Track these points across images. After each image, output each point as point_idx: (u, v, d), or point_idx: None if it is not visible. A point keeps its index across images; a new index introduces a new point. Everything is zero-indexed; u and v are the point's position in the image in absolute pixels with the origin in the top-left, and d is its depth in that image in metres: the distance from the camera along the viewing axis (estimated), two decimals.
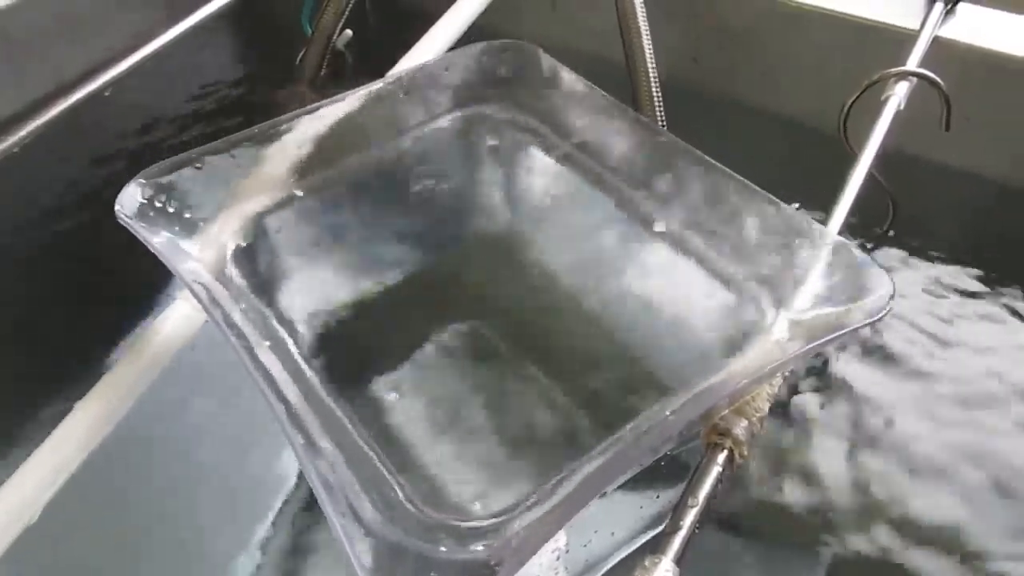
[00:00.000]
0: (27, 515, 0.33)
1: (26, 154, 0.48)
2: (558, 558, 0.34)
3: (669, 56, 0.56)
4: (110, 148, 0.60)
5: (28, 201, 0.54)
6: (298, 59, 0.62)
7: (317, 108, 0.42)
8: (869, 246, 0.55)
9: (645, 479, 0.39)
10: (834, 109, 0.48)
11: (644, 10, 0.54)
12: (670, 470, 0.38)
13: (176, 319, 0.39)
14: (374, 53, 0.69)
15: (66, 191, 0.56)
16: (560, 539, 0.36)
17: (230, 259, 0.37)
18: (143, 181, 0.37)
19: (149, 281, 0.49)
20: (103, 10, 0.61)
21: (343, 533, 0.26)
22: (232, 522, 0.43)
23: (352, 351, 0.37)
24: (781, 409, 0.46)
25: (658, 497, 0.38)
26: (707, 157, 0.39)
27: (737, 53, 0.65)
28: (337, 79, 0.64)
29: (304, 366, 0.34)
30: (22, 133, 0.48)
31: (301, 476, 0.43)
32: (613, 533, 0.38)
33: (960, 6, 0.57)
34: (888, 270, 0.53)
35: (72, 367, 0.39)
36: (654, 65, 0.54)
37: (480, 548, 0.26)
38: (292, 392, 0.30)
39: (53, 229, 0.55)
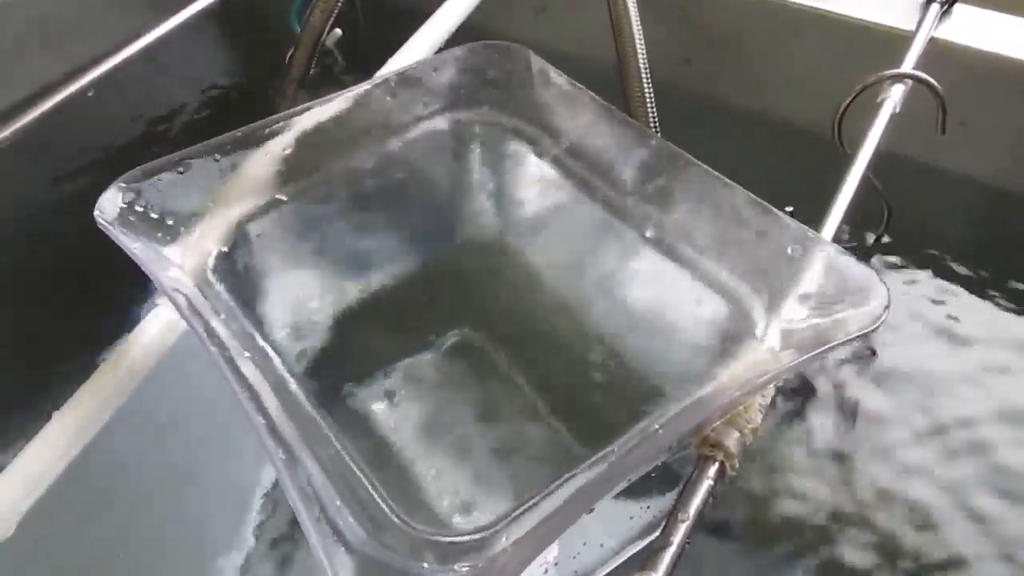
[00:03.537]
0: (3, 528, 0.33)
1: (5, 157, 0.48)
2: (546, 571, 0.33)
3: (661, 58, 0.55)
4: (94, 150, 0.59)
5: (8, 204, 0.53)
6: (287, 58, 0.61)
7: (302, 110, 0.41)
8: (864, 251, 0.55)
9: (636, 489, 0.38)
10: (829, 112, 0.48)
11: (637, 11, 0.53)
12: (662, 479, 0.37)
13: (157, 325, 0.38)
14: (364, 52, 0.68)
15: (47, 194, 0.55)
16: (550, 552, 0.35)
17: (212, 265, 0.37)
18: (123, 185, 0.36)
19: (131, 286, 0.49)
20: (87, 9, 0.60)
21: (321, 547, 0.25)
22: (215, 530, 0.42)
23: (337, 360, 0.36)
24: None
25: (649, 507, 0.38)
26: (698, 162, 0.38)
27: (730, 55, 0.64)
28: (326, 78, 0.63)
29: (286, 375, 0.33)
30: (2, 135, 0.47)
31: None
32: (603, 544, 0.37)
33: (956, 7, 0.57)
34: (883, 275, 0.53)
35: (50, 375, 0.38)
36: (647, 67, 0.53)
37: (465, 566, 0.26)
38: (272, 403, 0.29)
39: (33, 232, 0.54)
